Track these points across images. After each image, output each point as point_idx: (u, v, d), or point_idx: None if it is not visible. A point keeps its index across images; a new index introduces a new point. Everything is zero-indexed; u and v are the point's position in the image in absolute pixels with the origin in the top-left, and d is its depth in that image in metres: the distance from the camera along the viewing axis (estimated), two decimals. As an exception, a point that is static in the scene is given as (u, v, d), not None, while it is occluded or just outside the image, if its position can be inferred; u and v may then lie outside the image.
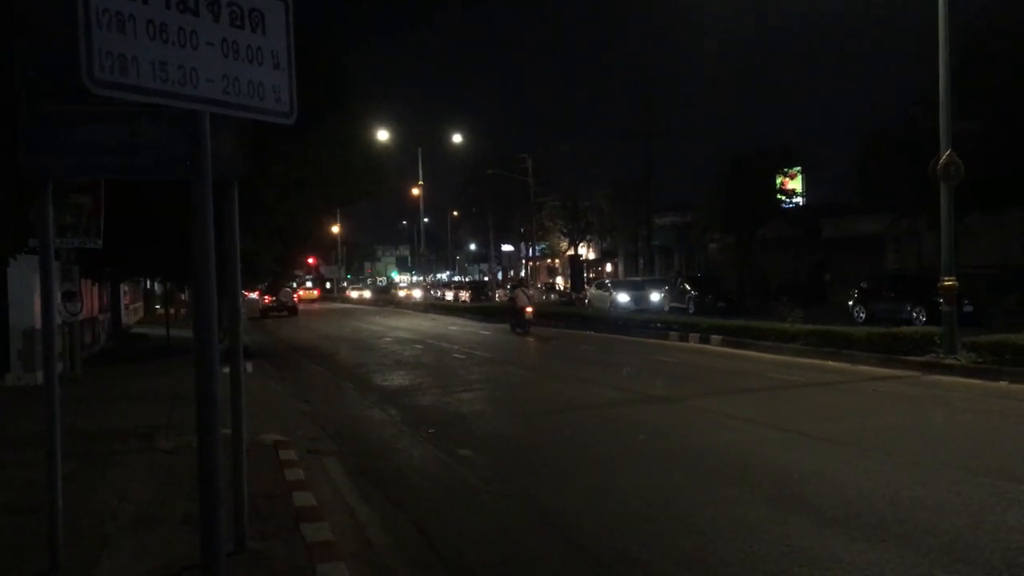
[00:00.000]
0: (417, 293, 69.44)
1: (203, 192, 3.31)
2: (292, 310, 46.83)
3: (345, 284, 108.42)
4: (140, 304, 42.50)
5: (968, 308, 20.06)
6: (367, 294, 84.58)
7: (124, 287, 30.04)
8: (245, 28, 3.34)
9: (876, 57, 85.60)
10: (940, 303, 15.19)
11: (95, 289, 23.13)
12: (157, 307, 43.39)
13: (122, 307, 29.01)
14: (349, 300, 78.71)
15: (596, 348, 21.75)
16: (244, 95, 3.38)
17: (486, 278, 78.42)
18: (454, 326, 34.04)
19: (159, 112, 4.68)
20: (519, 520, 6.49)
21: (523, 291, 28.92)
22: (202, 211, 3.32)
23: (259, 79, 3.44)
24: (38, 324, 13.87)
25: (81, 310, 14.25)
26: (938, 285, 14.97)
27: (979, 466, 7.50)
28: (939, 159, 14.91)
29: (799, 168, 46.07)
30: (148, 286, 43.66)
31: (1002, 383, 12.90)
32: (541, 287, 64.78)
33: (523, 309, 27.15)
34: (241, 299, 6.25)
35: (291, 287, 44.80)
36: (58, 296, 12.17)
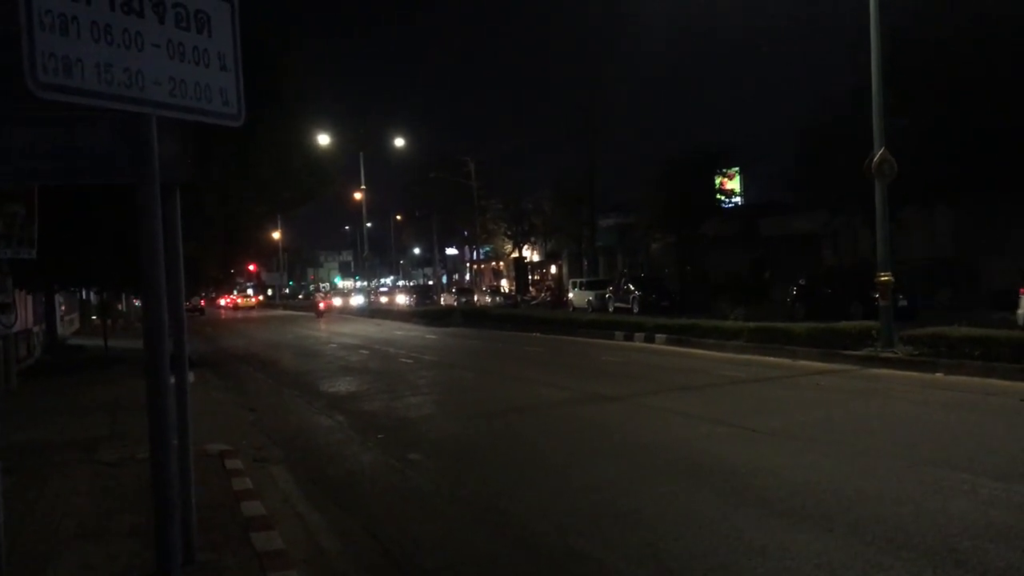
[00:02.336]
0: (402, 299, 65.17)
1: (150, 197, 3.26)
2: (200, 311, 64.67)
3: (287, 290, 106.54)
4: (76, 315, 41.49)
5: (903, 302, 20.57)
6: (357, 301, 69.63)
7: (59, 298, 29.29)
8: (191, 30, 3.29)
9: (809, 55, 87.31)
10: (876, 298, 15.55)
11: (29, 300, 22.53)
12: (93, 317, 42.43)
13: (58, 318, 28.28)
14: (332, 311, 60.91)
15: (544, 349, 21.83)
16: (191, 97, 3.33)
17: (431, 282, 78.12)
18: (400, 331, 33.90)
19: (98, 116, 4.58)
20: (471, 522, 6.48)
21: (321, 296, 62.82)
22: (149, 217, 3.26)
23: (206, 81, 3.38)
24: (-30, 337, 13.46)
25: (15, 322, 13.84)
26: (874, 280, 15.33)
27: (919, 456, 7.70)
28: (873, 157, 15.28)
29: (737, 168, 46.86)
30: (84, 296, 42.66)
31: (938, 375, 13.25)
32: (486, 290, 64.85)
33: (318, 305, 56.72)
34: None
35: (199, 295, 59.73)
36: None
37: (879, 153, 15.19)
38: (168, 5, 3.19)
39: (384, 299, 70.16)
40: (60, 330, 28.60)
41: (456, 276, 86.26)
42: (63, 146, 4.69)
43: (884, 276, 15.05)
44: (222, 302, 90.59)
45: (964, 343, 13.56)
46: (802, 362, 15.78)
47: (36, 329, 23.69)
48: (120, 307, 49.70)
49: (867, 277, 18.08)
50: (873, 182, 15.48)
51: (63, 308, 32.64)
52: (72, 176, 4.94)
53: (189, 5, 3.29)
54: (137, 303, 49.31)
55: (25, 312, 20.66)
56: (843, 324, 16.81)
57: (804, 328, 17.17)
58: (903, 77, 23.53)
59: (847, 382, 13.19)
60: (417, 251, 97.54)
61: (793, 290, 28.17)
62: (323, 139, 31.62)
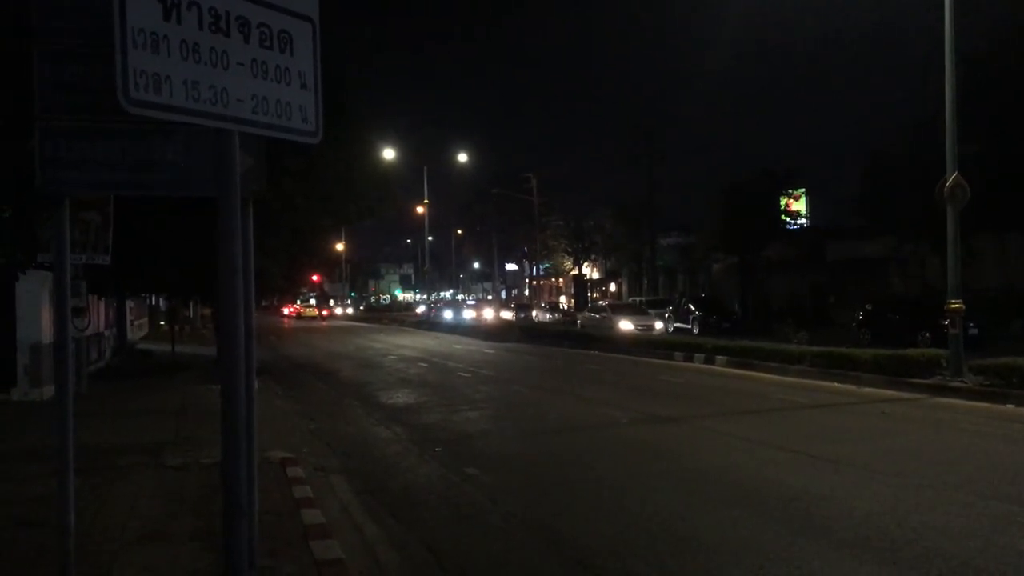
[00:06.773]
0: (508, 314, 52.48)
1: (231, 210, 3.36)
2: None
3: (349, 301, 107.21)
4: (145, 320, 42.51)
5: (974, 331, 20.03)
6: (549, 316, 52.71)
7: (130, 303, 30.06)
8: (274, 49, 3.39)
9: (880, 79, 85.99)
10: (946, 326, 15.17)
11: (101, 304, 23.16)
12: (162, 323, 43.45)
13: (128, 323, 29.02)
14: (334, 318, 55.53)
15: (601, 368, 21.72)
16: (272, 114, 3.43)
17: (490, 297, 78.39)
18: (458, 344, 34.02)
19: (175, 129, 4.71)
20: (526, 539, 6.48)
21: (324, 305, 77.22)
22: (230, 228, 3.36)
23: (287, 99, 3.48)
24: (45, 339, 13.88)
25: (88, 326, 14.26)
26: (945, 308, 14.96)
27: (988, 489, 7.49)
28: (945, 182, 14.95)
29: (803, 190, 46.19)
30: (153, 302, 43.69)
31: (1009, 406, 12.88)
32: (544, 306, 64.85)
33: (321, 311, 66.90)
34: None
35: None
36: (66, 311, 12.17)
37: (952, 178, 14.86)
38: (253, 25, 3.30)
39: (467, 313, 58.47)
40: (129, 335, 29.32)
41: (515, 291, 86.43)
42: (141, 158, 4.84)
43: (955, 303, 14.68)
44: (285, 311, 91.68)
45: (1037, 374, 13.17)
46: (867, 389, 15.44)
47: (107, 333, 24.31)
48: (187, 313, 50.80)
49: (935, 304, 17.67)
50: (944, 208, 15.15)
51: (133, 313, 33.46)
52: (148, 187, 5.08)
53: (273, 25, 3.39)
54: (204, 311, 50.40)
55: (97, 316, 21.21)
56: (911, 351, 16.44)
57: (870, 354, 16.82)
58: (975, 102, 23.03)
59: (913, 411, 12.88)
60: (477, 266, 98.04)
61: (859, 315, 27.65)
62: (388, 153, 31.99)
